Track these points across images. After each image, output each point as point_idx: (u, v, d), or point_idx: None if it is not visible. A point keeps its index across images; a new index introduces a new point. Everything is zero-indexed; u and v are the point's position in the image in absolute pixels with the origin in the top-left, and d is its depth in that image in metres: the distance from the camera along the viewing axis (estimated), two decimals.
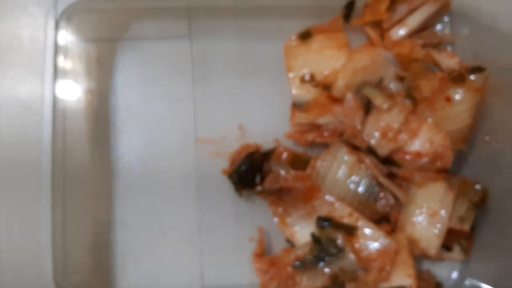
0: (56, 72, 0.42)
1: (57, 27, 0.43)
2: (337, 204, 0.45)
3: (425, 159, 0.44)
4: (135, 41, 0.48)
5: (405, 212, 0.45)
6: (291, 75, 0.48)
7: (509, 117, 0.44)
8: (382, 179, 0.45)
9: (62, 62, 0.44)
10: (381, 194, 0.45)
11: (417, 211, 0.45)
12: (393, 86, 0.46)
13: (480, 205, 0.45)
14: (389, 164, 0.45)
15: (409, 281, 0.43)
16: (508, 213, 0.44)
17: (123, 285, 0.46)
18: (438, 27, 0.50)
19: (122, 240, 0.46)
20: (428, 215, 0.45)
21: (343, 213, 0.44)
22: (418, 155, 0.44)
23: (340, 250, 0.43)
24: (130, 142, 0.47)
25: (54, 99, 0.42)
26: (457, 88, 0.45)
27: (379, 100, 0.45)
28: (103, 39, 0.48)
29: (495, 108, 0.45)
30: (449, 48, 0.50)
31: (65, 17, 0.44)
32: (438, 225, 0.44)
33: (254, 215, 0.47)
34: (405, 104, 0.45)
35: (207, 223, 0.47)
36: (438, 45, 0.49)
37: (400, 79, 0.46)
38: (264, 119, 0.48)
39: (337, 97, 0.46)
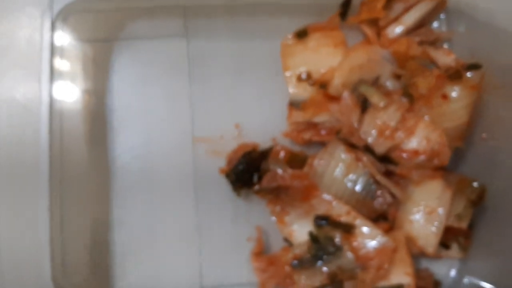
0: (53, 73, 0.42)
1: (53, 27, 0.43)
2: (334, 203, 0.45)
3: (422, 157, 0.44)
4: (132, 41, 0.48)
5: (403, 210, 0.45)
6: (287, 73, 0.48)
7: (506, 114, 0.44)
8: (379, 177, 0.45)
9: (58, 62, 0.44)
10: (379, 192, 0.45)
11: (415, 209, 0.45)
12: (389, 84, 0.46)
13: (478, 202, 0.45)
14: (386, 162, 0.45)
15: (407, 279, 0.43)
16: (506, 210, 0.44)
17: (122, 285, 0.46)
18: (435, 24, 0.50)
19: (121, 240, 0.46)
20: (425, 213, 0.45)
21: (341, 211, 0.44)
22: (415, 153, 0.44)
23: (338, 249, 0.44)
24: (128, 142, 0.47)
25: (51, 99, 0.42)
26: (453, 85, 0.45)
27: (375, 98, 0.45)
28: (100, 39, 0.48)
29: (492, 105, 0.45)
30: (445, 46, 0.49)
31: (61, 17, 0.44)
32: (436, 223, 0.44)
33: (252, 214, 0.47)
34: (402, 102, 0.45)
35: (205, 222, 0.47)
36: (435, 42, 0.49)
37: (397, 76, 0.46)
38: (261, 118, 0.48)
39: (333, 95, 0.46)
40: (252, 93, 0.49)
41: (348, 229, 0.44)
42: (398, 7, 0.48)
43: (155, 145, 0.47)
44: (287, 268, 0.45)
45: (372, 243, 0.43)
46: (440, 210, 0.44)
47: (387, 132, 0.44)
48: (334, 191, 0.45)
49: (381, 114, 0.45)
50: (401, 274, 0.43)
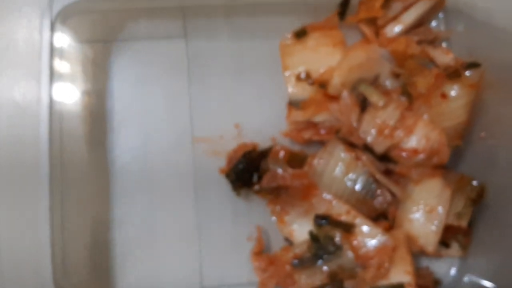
0: (52, 74, 0.42)
1: (52, 28, 0.43)
2: (334, 202, 0.45)
3: (421, 156, 0.44)
4: (131, 42, 0.48)
5: (403, 209, 0.45)
6: (287, 73, 0.48)
7: (504, 113, 0.44)
8: (379, 176, 0.45)
9: (58, 63, 0.44)
10: (378, 191, 0.45)
11: (414, 208, 0.45)
12: (388, 83, 0.46)
13: (478, 201, 0.45)
14: (385, 161, 0.45)
15: (407, 278, 0.43)
16: (506, 208, 0.44)
17: (122, 285, 0.46)
18: (433, 23, 0.50)
19: (121, 240, 0.46)
20: (425, 212, 0.45)
21: (341, 210, 0.44)
22: (415, 151, 0.44)
23: (338, 248, 0.44)
24: (127, 142, 0.47)
25: (51, 100, 0.42)
26: (452, 84, 0.45)
27: (375, 97, 0.45)
28: (99, 40, 0.48)
29: (491, 104, 0.45)
30: (444, 45, 0.50)
31: (60, 18, 0.44)
32: (436, 222, 0.44)
33: (252, 214, 0.47)
34: (401, 101, 0.45)
35: (205, 222, 0.47)
36: (433, 41, 0.49)
37: (396, 75, 0.46)
38: (261, 118, 0.48)
39: (333, 95, 0.46)
40: (252, 93, 0.49)
41: (348, 228, 0.44)
42: (396, 6, 0.48)
43: (155, 146, 0.47)
44: (288, 268, 0.45)
45: (372, 242, 0.43)
46: (440, 209, 0.44)
47: (387, 131, 0.44)
48: (334, 190, 0.45)
49: (380, 113, 0.45)
50: (401, 273, 0.43)
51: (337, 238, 0.44)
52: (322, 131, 0.47)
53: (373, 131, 0.44)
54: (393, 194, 0.45)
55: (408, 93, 0.45)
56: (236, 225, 0.47)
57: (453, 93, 0.45)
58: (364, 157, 0.45)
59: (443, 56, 0.47)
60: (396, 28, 0.48)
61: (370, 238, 0.43)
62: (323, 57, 0.48)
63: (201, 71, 0.49)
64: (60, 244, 0.44)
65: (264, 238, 0.47)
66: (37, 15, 0.43)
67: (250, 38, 0.50)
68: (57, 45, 0.44)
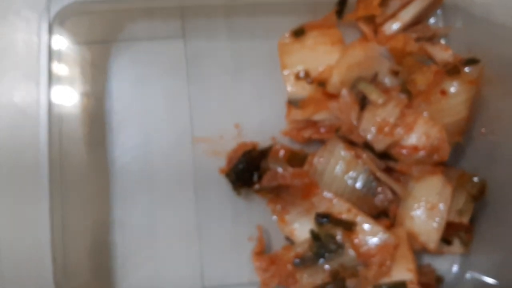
0: (51, 76, 0.42)
1: (50, 30, 0.43)
2: (335, 200, 0.45)
3: (422, 153, 0.44)
4: (129, 43, 0.48)
5: (404, 206, 0.45)
6: (285, 72, 0.48)
7: (504, 108, 0.44)
8: (379, 174, 0.45)
9: (56, 65, 0.44)
10: (379, 189, 0.45)
11: (416, 205, 0.45)
12: (388, 80, 0.46)
13: (479, 197, 0.45)
14: (386, 159, 0.45)
15: (409, 275, 0.43)
16: (507, 204, 0.44)
17: (123, 286, 0.46)
18: (431, 20, 0.50)
19: (122, 242, 0.46)
20: (426, 209, 0.45)
21: (342, 209, 0.44)
22: (415, 148, 0.44)
23: (340, 246, 0.43)
24: (127, 143, 0.47)
25: (50, 102, 0.42)
26: (452, 80, 0.45)
27: (374, 95, 0.45)
28: (97, 41, 0.48)
29: (491, 100, 0.45)
30: (443, 41, 0.50)
31: (58, 20, 0.44)
32: (437, 219, 0.44)
33: (253, 214, 0.47)
34: (400, 98, 0.45)
35: (206, 222, 0.47)
36: (432, 38, 0.49)
37: (395, 73, 0.46)
38: (260, 117, 0.48)
39: (332, 93, 0.46)
40: (251, 93, 0.49)
41: (349, 227, 0.44)
42: (394, 4, 0.48)
43: (155, 146, 0.47)
44: (289, 267, 0.44)
45: (374, 240, 0.43)
46: (441, 206, 0.44)
47: (387, 129, 0.44)
48: (335, 189, 0.45)
49: (380, 111, 0.45)
50: (403, 270, 0.43)
51: (339, 237, 0.44)
52: (322, 130, 0.47)
53: (373, 129, 0.44)
54: (394, 192, 0.45)
55: (407, 90, 0.45)
56: (236, 225, 0.47)
57: (452, 89, 0.45)
58: (365, 155, 0.45)
59: (442, 53, 0.47)
60: (394, 26, 0.48)
61: (371, 236, 0.43)
62: (321, 55, 0.48)
63: (200, 71, 0.49)
64: (61, 245, 0.44)
65: (264, 237, 0.47)
66: (35, 17, 0.43)
67: (249, 38, 0.50)
68: (55, 47, 0.44)
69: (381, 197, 0.45)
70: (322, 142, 0.47)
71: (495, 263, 0.45)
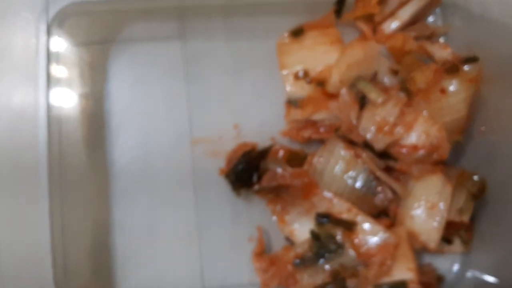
0: (50, 77, 0.42)
1: (49, 31, 0.43)
2: (335, 200, 0.45)
3: (421, 152, 0.44)
4: (128, 43, 0.48)
5: (404, 205, 0.45)
6: (284, 72, 0.48)
7: (504, 107, 0.44)
8: (379, 173, 0.44)
9: (55, 66, 0.44)
10: (379, 189, 0.45)
11: (416, 204, 0.45)
12: (387, 79, 0.46)
13: (479, 196, 0.45)
14: (386, 158, 0.45)
15: (410, 274, 0.42)
16: (507, 202, 0.43)
17: (123, 286, 0.46)
18: (430, 19, 0.50)
19: (121, 243, 0.46)
20: (426, 208, 0.44)
21: (342, 208, 0.44)
22: (415, 147, 0.44)
23: (340, 246, 0.43)
24: (126, 144, 0.47)
25: (49, 103, 0.42)
26: (451, 79, 0.45)
27: (373, 94, 0.44)
28: (96, 42, 0.48)
29: (490, 98, 0.45)
30: (441, 40, 0.50)
31: (57, 21, 0.44)
32: (437, 218, 0.44)
33: (253, 214, 0.47)
34: (400, 97, 0.45)
35: (206, 223, 0.47)
36: (431, 37, 0.49)
37: (394, 72, 0.46)
38: (259, 117, 0.48)
39: (331, 93, 0.46)
40: (250, 93, 0.49)
41: (349, 226, 0.44)
42: (393, 2, 0.48)
43: (154, 147, 0.47)
44: (289, 267, 0.44)
45: (374, 240, 0.43)
46: (441, 205, 0.44)
47: (386, 128, 0.44)
48: (335, 189, 0.45)
49: (379, 110, 0.44)
50: (404, 270, 0.43)
51: (339, 237, 0.43)
52: (321, 129, 0.47)
53: (372, 128, 0.44)
54: (394, 191, 0.45)
55: (407, 89, 0.45)
56: (236, 225, 0.47)
57: (452, 88, 0.45)
58: (364, 154, 0.45)
59: (441, 51, 0.47)
60: (393, 25, 0.48)
61: (371, 235, 0.43)
62: (320, 55, 0.48)
63: (200, 71, 0.49)
64: (61, 246, 0.44)
65: (264, 238, 0.47)
66: (33, 19, 0.43)
67: (248, 38, 0.50)
68: (54, 48, 0.44)
69: (381, 197, 0.45)
70: (321, 141, 0.47)
71: (495, 262, 0.44)
